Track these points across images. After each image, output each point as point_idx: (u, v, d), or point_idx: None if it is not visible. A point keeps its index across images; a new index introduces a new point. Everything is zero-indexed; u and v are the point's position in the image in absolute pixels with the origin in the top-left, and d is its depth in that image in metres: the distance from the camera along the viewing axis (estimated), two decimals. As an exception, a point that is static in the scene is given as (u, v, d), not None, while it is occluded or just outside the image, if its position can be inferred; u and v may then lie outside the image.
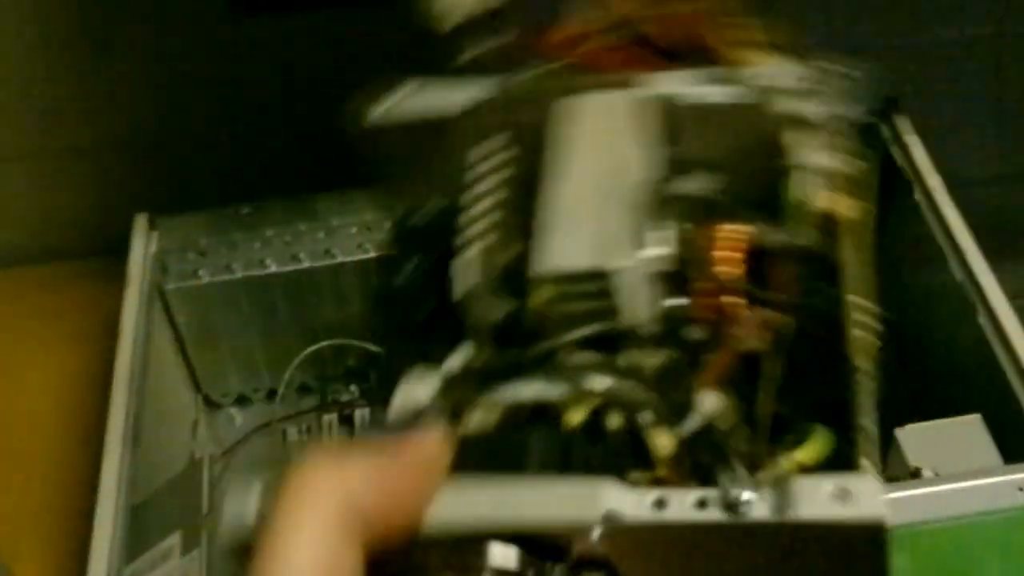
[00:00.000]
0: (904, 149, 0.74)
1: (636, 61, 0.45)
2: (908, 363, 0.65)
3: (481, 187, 0.38)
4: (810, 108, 0.39)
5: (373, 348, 0.77)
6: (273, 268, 0.74)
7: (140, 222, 0.74)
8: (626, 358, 0.36)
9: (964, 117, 0.92)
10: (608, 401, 0.35)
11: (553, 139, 0.39)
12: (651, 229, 0.37)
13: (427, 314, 0.41)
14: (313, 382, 0.81)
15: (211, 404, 0.81)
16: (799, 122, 0.39)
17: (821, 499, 0.30)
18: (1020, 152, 0.95)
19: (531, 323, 0.37)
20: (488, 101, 0.41)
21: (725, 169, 0.40)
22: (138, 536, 0.58)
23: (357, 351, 0.78)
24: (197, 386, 0.80)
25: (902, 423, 0.57)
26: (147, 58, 0.82)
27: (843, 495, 0.30)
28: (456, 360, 0.38)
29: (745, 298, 0.37)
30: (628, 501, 0.30)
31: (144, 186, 0.84)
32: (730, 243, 0.38)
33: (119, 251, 0.72)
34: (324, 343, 0.77)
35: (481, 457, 0.33)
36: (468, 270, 0.38)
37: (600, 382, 0.34)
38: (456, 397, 0.36)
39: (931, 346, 0.71)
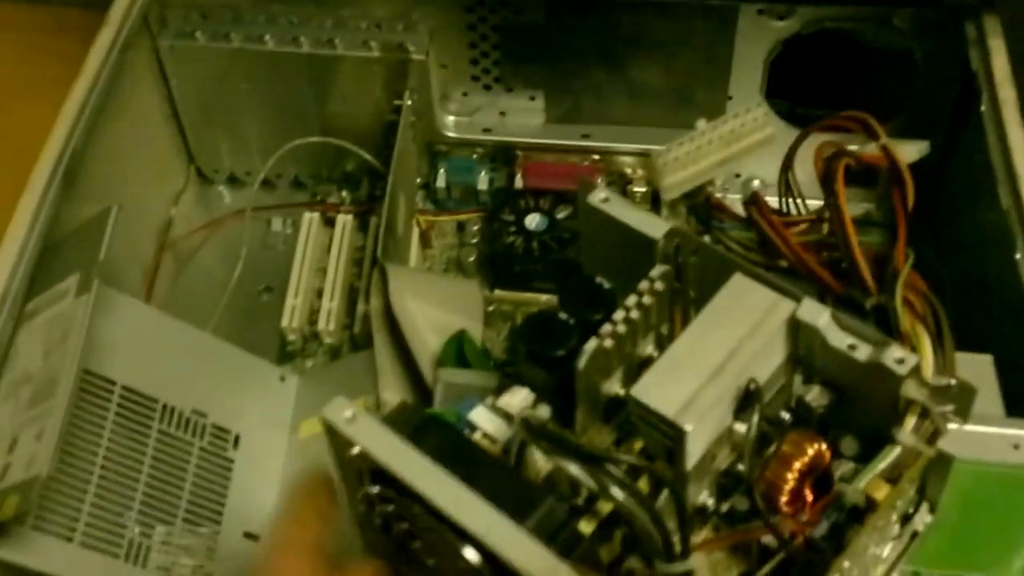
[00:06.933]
0: (984, 54, 0.65)
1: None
2: (944, 294, 0.57)
3: (641, 297, 0.43)
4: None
5: (371, 160, 0.74)
6: (270, 46, 0.70)
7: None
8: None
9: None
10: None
11: (704, 297, 0.43)
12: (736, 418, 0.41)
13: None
14: (307, 179, 0.79)
15: (204, 178, 0.79)
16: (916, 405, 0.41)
17: None
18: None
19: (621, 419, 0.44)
20: (684, 237, 0.45)
21: (840, 393, 0.43)
22: (49, 274, 0.58)
23: (356, 157, 0.75)
24: (190, 156, 0.78)
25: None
26: None
27: None
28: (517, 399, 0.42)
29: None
30: None
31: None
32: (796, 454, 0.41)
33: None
34: (315, 139, 0.74)
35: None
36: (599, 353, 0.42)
37: (617, 493, 0.38)
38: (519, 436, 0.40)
39: (968, 279, 0.63)
